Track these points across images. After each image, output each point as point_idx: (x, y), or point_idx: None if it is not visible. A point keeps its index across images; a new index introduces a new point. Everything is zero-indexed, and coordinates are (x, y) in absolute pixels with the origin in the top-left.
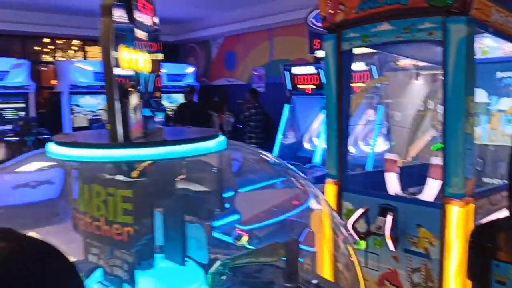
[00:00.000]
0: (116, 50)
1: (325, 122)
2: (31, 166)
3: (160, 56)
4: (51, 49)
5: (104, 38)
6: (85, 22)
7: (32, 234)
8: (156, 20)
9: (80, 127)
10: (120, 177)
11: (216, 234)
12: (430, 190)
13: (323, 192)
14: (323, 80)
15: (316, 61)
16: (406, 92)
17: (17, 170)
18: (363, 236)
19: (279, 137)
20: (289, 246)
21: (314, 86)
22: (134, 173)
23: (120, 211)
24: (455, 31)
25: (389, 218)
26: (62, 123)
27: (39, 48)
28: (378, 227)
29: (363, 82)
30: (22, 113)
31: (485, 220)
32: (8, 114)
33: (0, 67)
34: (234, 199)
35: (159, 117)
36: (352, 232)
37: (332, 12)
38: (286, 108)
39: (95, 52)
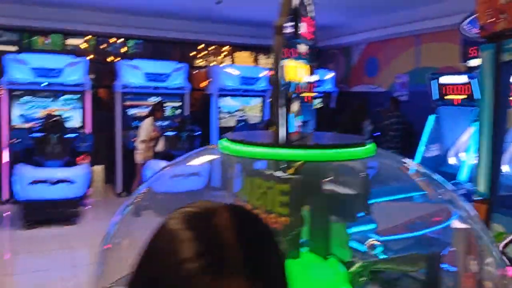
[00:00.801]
0: (283, 62)
1: (477, 136)
2: (203, 159)
3: (314, 65)
4: (203, 55)
5: (276, 53)
6: (235, 30)
7: None
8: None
9: (225, 127)
10: (279, 173)
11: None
12: None
13: None
14: (475, 91)
15: (468, 70)
16: None
17: (192, 161)
18: None
19: (421, 148)
20: (432, 258)
21: (464, 97)
22: (290, 171)
23: (277, 203)
24: None
25: None
26: (210, 122)
27: (194, 53)
28: None
29: None
30: (178, 111)
31: None
32: (168, 112)
33: (164, 70)
34: (372, 207)
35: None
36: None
37: (492, 20)
38: (431, 119)
39: (241, 57)
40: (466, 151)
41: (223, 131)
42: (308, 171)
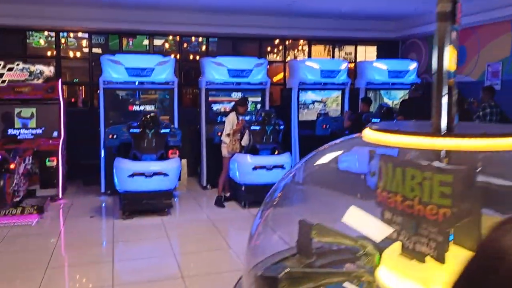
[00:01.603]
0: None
1: None
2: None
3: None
4: (279, 49)
5: (440, 41)
6: (311, 23)
7: None
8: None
9: (305, 120)
10: (438, 163)
11: None
12: None
13: None
14: None
15: None
16: None
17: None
18: None
19: None
20: None
21: None
22: (445, 161)
23: (436, 193)
24: None
25: None
26: (291, 115)
27: (270, 48)
28: None
29: None
30: (258, 106)
31: None
32: (249, 107)
33: (246, 65)
34: None
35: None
36: None
37: None
38: None
39: (318, 51)
40: None
41: (303, 125)
42: (463, 161)
